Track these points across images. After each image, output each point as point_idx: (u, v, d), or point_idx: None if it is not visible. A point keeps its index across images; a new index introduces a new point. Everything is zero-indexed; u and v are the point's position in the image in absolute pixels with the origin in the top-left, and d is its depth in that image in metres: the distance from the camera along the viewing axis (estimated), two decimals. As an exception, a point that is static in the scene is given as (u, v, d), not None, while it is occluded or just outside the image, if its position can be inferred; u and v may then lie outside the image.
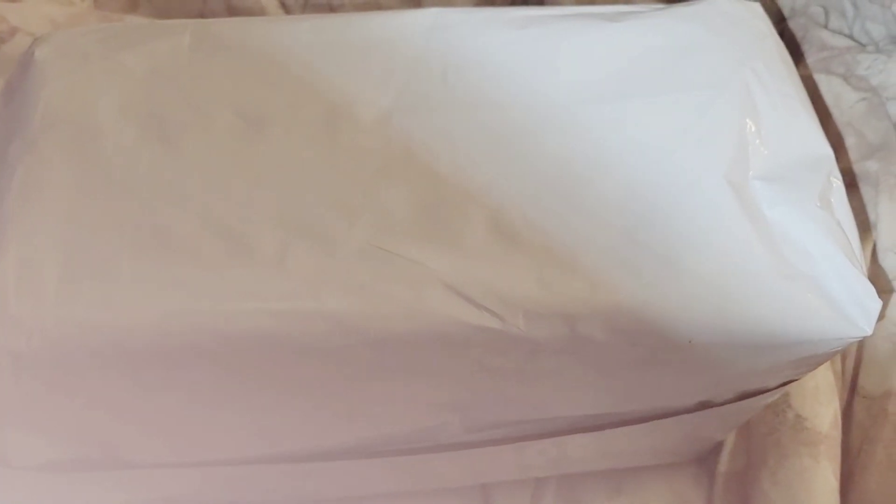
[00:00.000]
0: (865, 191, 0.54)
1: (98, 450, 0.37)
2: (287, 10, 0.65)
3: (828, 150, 0.37)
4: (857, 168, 0.55)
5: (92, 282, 0.33)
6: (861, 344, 0.49)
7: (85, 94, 0.38)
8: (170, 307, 0.32)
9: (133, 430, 0.36)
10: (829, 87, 0.59)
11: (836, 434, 0.44)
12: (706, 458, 0.47)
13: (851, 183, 0.54)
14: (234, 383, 0.34)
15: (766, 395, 0.38)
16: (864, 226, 0.52)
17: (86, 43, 0.40)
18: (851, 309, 0.34)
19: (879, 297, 0.46)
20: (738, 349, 0.34)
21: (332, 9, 0.65)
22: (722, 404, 0.38)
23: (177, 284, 0.33)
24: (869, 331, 0.34)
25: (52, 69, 0.38)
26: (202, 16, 0.64)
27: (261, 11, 0.64)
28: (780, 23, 0.64)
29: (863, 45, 0.61)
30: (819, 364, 0.37)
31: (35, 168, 0.35)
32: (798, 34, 0.63)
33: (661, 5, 0.43)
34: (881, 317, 0.49)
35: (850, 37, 0.62)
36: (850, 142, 0.56)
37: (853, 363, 0.48)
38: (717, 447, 0.46)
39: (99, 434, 0.36)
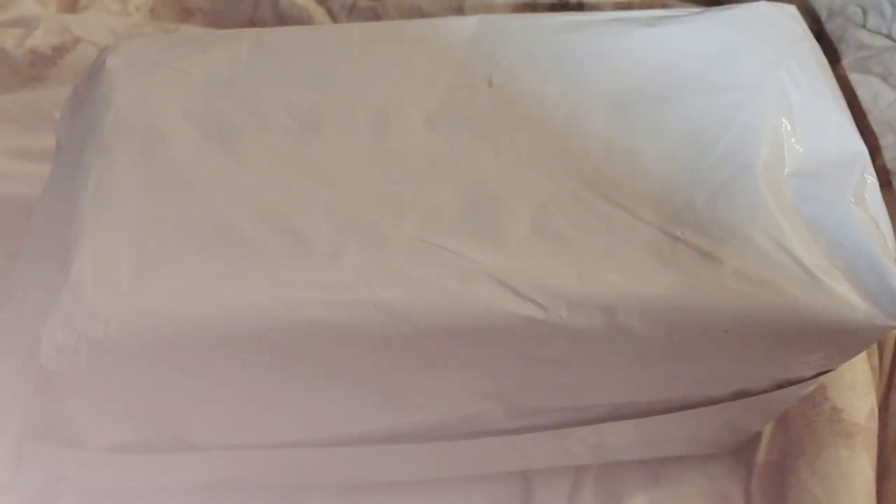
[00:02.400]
0: (904, 189, 0.54)
1: (164, 433, 0.39)
2: (334, 17, 0.68)
3: (862, 148, 0.38)
4: (894, 166, 0.55)
5: (162, 275, 0.35)
6: (898, 338, 0.50)
7: (152, 100, 0.40)
8: (233, 298, 0.35)
9: (197, 414, 0.39)
10: (867, 87, 0.59)
11: (873, 426, 0.45)
12: (743, 450, 0.48)
13: (888, 181, 0.55)
14: (291, 370, 0.36)
15: (801, 385, 0.39)
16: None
17: (151, 52, 0.43)
18: (885, 301, 0.35)
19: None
20: (773, 340, 0.35)
21: (377, 16, 0.67)
22: (758, 394, 0.40)
23: (239, 277, 0.35)
24: (902, 322, 0.35)
25: (121, 78, 0.41)
26: (252, 24, 0.67)
27: (308, 19, 0.66)
28: (818, 23, 0.65)
29: (901, 45, 0.61)
30: (853, 355, 0.38)
31: (108, 171, 0.38)
32: (836, 34, 0.64)
33: (698, 9, 0.44)
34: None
35: (889, 36, 0.62)
36: (887, 141, 0.56)
37: (890, 357, 0.49)
38: (755, 438, 0.47)
39: (166, 418, 0.38)
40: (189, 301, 0.34)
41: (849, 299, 0.35)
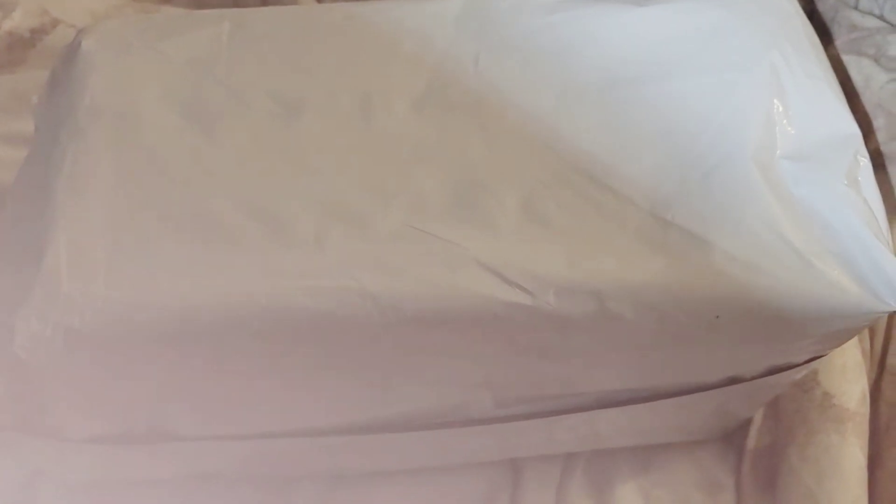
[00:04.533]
0: (894, 170, 0.54)
1: (143, 423, 0.38)
2: (318, -2, 0.66)
3: (855, 130, 0.38)
4: (887, 148, 0.55)
5: (138, 263, 0.34)
6: (890, 323, 0.49)
7: (129, 82, 0.39)
8: (211, 287, 0.34)
9: (177, 404, 0.38)
10: (859, 69, 0.59)
11: (864, 411, 0.45)
12: (733, 436, 0.47)
13: (881, 163, 0.54)
14: (273, 360, 0.35)
15: (793, 370, 0.39)
16: (893, 205, 0.52)
17: (129, 34, 0.41)
18: (877, 284, 0.34)
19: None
20: (764, 325, 0.35)
21: (362, -3, 0.66)
22: (749, 380, 0.39)
23: (218, 265, 0.34)
24: (895, 306, 0.34)
25: (97, 59, 0.40)
26: (235, 5, 0.66)
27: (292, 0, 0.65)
28: (810, 4, 0.64)
29: (893, 26, 0.60)
30: (846, 339, 0.38)
31: (83, 156, 0.37)
32: (828, 15, 0.63)
33: (689, -12, 0.43)
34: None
35: (881, 17, 0.61)
36: (879, 122, 0.56)
37: (882, 342, 0.49)
38: (745, 424, 0.47)
39: (143, 407, 0.38)
40: (166, 289, 0.33)
41: (841, 283, 0.34)
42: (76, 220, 0.35)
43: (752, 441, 0.47)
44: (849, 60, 0.59)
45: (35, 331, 0.33)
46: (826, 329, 0.36)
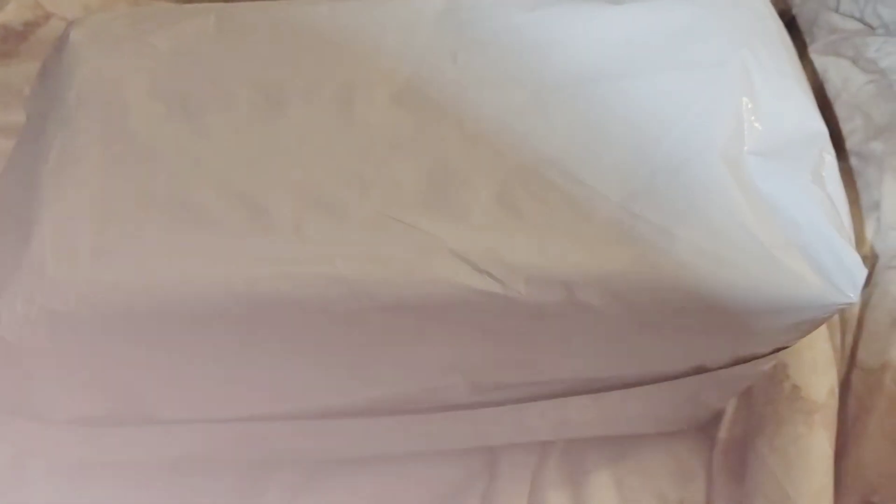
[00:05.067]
0: (871, 171, 0.55)
1: (127, 405, 0.39)
2: (308, -5, 0.67)
3: (822, 128, 0.39)
4: (863, 149, 0.56)
5: (123, 248, 0.35)
6: (861, 318, 0.50)
7: (116, 73, 0.40)
8: (193, 271, 0.35)
9: (159, 386, 0.39)
10: (838, 70, 0.60)
11: (833, 403, 0.46)
12: (706, 427, 0.48)
13: (854, 163, 0.55)
14: (253, 344, 0.36)
15: (759, 361, 0.40)
16: (869, 204, 0.53)
17: (117, 26, 0.42)
18: (839, 278, 0.35)
19: (883, 272, 0.47)
20: (729, 315, 0.36)
21: (350, -7, 0.67)
22: (717, 369, 0.40)
23: (200, 250, 0.35)
24: (855, 298, 0.35)
25: (86, 51, 0.41)
26: None
27: (282, -4, 0.66)
28: (791, 6, 0.65)
29: (872, 28, 0.61)
30: (809, 331, 0.39)
31: (70, 143, 0.38)
32: (808, 17, 0.64)
33: (664, -12, 0.44)
34: (883, 292, 0.50)
35: (861, 20, 0.62)
36: (856, 123, 0.57)
37: (852, 337, 0.50)
38: (717, 416, 0.48)
39: (127, 390, 0.39)
40: (150, 274, 0.34)
41: (804, 276, 0.35)
42: (62, 206, 0.36)
43: (723, 432, 0.48)
44: (828, 62, 0.60)
45: (20, 313, 0.34)
46: (789, 320, 0.37)
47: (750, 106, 0.39)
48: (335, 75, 0.41)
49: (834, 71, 0.60)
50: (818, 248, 0.35)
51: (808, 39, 0.63)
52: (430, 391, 0.40)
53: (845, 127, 0.57)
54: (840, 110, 0.58)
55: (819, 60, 0.60)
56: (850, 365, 0.49)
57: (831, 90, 0.59)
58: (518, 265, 0.35)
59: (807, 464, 0.44)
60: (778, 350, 0.40)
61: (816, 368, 0.46)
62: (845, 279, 0.35)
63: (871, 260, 0.50)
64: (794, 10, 0.65)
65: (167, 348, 0.36)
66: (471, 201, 0.36)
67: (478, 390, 0.40)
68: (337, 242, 0.35)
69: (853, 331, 0.50)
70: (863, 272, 0.35)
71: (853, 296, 0.35)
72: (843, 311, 0.49)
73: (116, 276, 0.34)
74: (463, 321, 0.36)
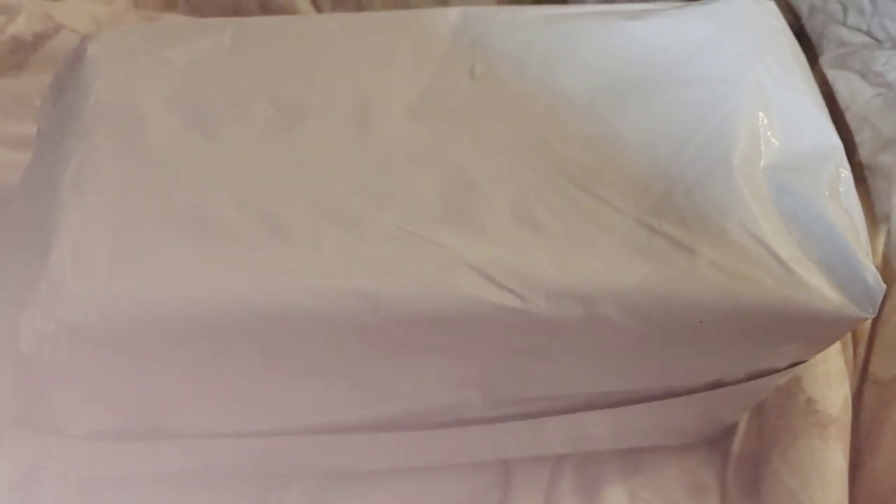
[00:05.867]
0: (880, 183, 0.55)
1: (144, 420, 0.39)
2: (318, 7, 0.68)
3: (837, 142, 0.39)
4: (872, 161, 0.56)
5: (141, 262, 0.35)
6: (874, 331, 0.51)
7: (132, 88, 0.40)
8: (211, 286, 0.35)
9: (177, 401, 0.39)
10: (846, 83, 0.60)
11: (846, 417, 0.46)
12: (720, 440, 0.48)
13: (864, 176, 0.55)
14: (270, 358, 0.36)
15: (775, 375, 0.40)
16: (875, 217, 0.53)
17: (133, 40, 0.43)
18: (856, 292, 0.35)
19: (893, 286, 0.47)
20: (746, 330, 0.36)
21: (360, 7, 0.67)
22: (733, 384, 0.40)
23: (218, 265, 0.35)
24: (873, 313, 0.35)
25: (102, 65, 0.41)
26: (236, 13, 0.67)
27: (292, 9, 0.66)
28: (799, 20, 0.66)
29: (880, 42, 0.62)
30: (826, 346, 0.39)
31: (88, 158, 0.38)
32: (816, 31, 0.65)
33: (678, 4, 0.45)
34: (894, 305, 0.50)
35: (868, 33, 0.63)
36: (864, 136, 0.57)
37: (865, 350, 0.50)
38: (731, 429, 0.48)
39: (145, 405, 0.39)
40: (168, 288, 0.34)
41: (822, 291, 0.35)
42: (80, 220, 0.36)
43: (737, 445, 0.48)
44: (836, 75, 0.61)
45: (39, 328, 0.34)
46: (807, 335, 0.37)
47: (765, 121, 0.39)
48: (351, 89, 0.41)
49: (842, 84, 0.60)
50: (836, 264, 0.36)
51: (817, 52, 0.63)
52: (446, 406, 0.40)
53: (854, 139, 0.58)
54: (849, 123, 0.58)
55: (828, 73, 0.60)
56: (862, 378, 0.49)
57: (840, 103, 0.59)
58: (537, 280, 0.35)
59: (822, 478, 0.44)
60: (795, 364, 0.40)
61: (830, 381, 0.46)
62: (863, 294, 0.35)
63: (882, 272, 0.51)
64: (803, 22, 0.65)
65: (186, 362, 0.36)
66: (488, 215, 0.37)
67: (494, 405, 0.40)
68: (355, 256, 0.35)
69: (865, 344, 0.50)
70: (881, 287, 0.35)
71: (871, 311, 0.35)
72: (855, 324, 0.49)
73: (135, 290, 0.34)
74: (480, 336, 0.36)
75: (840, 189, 0.38)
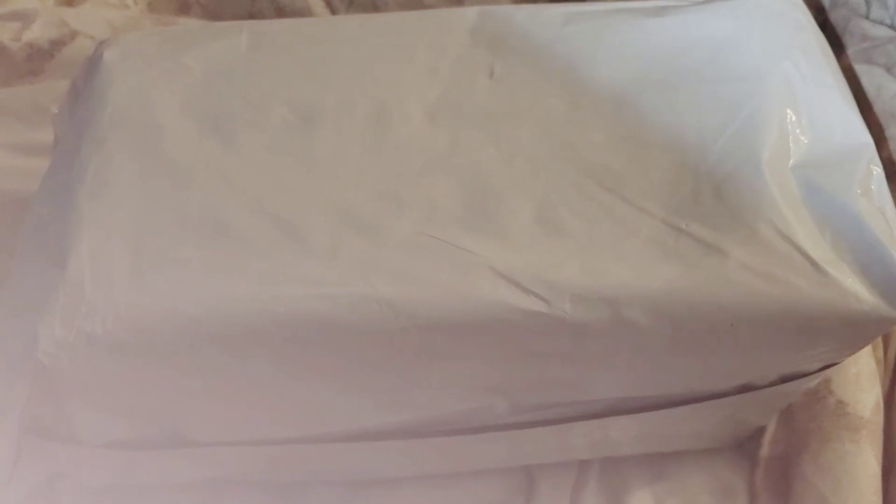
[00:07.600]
0: (907, 180, 0.54)
1: (163, 429, 0.39)
2: (333, 9, 0.67)
3: (867, 139, 0.38)
4: (899, 157, 0.55)
5: (159, 270, 0.35)
6: (903, 331, 0.49)
7: (149, 93, 0.40)
8: (231, 293, 0.34)
9: (196, 409, 0.38)
10: (871, 78, 0.59)
11: (878, 419, 0.45)
12: (746, 444, 0.47)
13: (893, 172, 0.54)
14: (290, 365, 0.36)
15: (806, 378, 0.39)
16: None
17: (149, 46, 0.42)
18: (891, 292, 0.34)
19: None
20: (778, 333, 0.35)
21: (376, 8, 0.67)
22: (763, 387, 0.39)
23: (237, 272, 0.35)
24: (909, 314, 0.34)
25: (118, 71, 0.41)
26: (251, 16, 0.66)
27: (307, 11, 0.66)
28: (822, 14, 0.65)
29: (904, 35, 0.61)
30: (860, 347, 0.38)
31: (105, 165, 0.38)
32: (839, 25, 0.63)
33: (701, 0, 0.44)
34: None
35: (892, 27, 0.62)
36: (891, 131, 0.56)
37: (894, 350, 0.49)
38: (758, 433, 0.47)
39: (164, 413, 0.38)
40: (186, 296, 0.34)
41: (855, 291, 0.34)
42: (99, 228, 0.35)
43: (765, 449, 0.47)
44: (861, 70, 0.60)
45: (58, 337, 0.33)
46: (839, 337, 0.36)
47: (794, 118, 0.38)
48: (368, 92, 0.40)
49: (867, 79, 0.59)
50: (870, 263, 0.35)
51: (841, 47, 0.62)
52: (471, 412, 0.39)
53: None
54: (878, 118, 0.57)
55: (852, 68, 0.59)
56: (893, 379, 0.48)
57: (865, 99, 0.58)
58: (563, 284, 0.34)
59: (855, 482, 0.43)
60: (827, 367, 0.39)
61: (861, 383, 0.45)
62: (898, 294, 0.34)
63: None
64: (826, 16, 0.64)
65: (204, 371, 0.36)
66: (511, 218, 0.36)
67: (518, 411, 0.39)
68: (375, 262, 0.35)
69: (895, 344, 0.49)
70: (917, 287, 0.34)
71: (906, 312, 0.34)
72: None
73: (154, 298, 0.34)
74: (505, 340, 0.35)
75: (872, 186, 0.37)
